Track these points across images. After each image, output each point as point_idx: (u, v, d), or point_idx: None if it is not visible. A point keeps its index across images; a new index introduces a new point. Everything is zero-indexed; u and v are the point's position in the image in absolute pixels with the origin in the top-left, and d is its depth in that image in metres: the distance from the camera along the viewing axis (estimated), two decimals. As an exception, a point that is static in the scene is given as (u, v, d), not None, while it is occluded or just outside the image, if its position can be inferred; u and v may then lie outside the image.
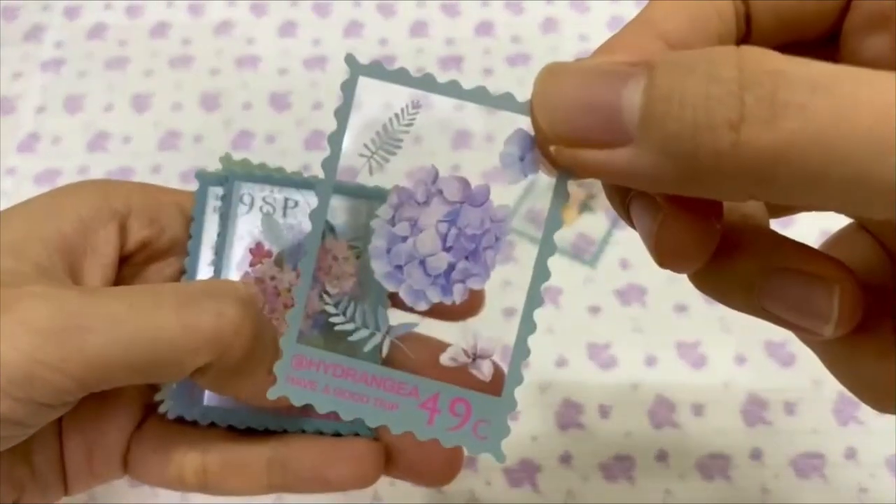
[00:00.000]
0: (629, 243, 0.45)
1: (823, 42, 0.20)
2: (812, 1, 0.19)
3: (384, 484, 0.37)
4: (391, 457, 0.29)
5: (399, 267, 0.20)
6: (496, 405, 0.20)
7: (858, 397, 0.20)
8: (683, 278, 0.20)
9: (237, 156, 0.31)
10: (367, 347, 0.21)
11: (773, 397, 0.41)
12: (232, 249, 0.29)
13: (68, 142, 0.50)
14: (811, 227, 0.30)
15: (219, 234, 0.29)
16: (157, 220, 0.28)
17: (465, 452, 0.21)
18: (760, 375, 0.42)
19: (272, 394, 0.21)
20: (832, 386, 0.41)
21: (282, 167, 0.31)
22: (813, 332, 0.18)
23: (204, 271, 0.29)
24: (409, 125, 0.20)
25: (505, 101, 0.19)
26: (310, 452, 0.28)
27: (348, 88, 0.20)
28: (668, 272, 0.19)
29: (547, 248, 0.19)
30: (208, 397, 0.28)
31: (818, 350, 0.21)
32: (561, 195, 0.19)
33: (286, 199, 0.30)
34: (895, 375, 0.18)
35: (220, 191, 0.29)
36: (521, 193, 0.46)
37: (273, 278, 0.29)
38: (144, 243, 0.28)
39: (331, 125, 0.20)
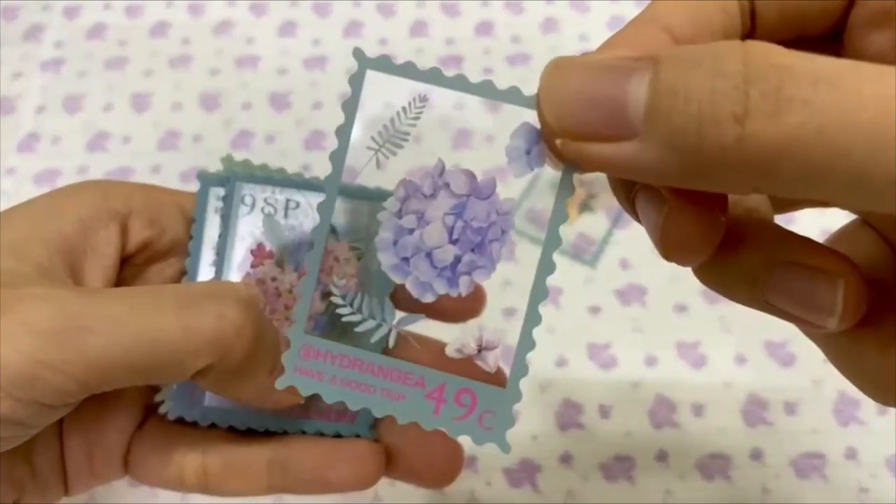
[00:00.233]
0: (629, 243, 0.45)
1: (827, 38, 0.20)
2: None
3: (384, 484, 0.37)
4: (392, 458, 0.29)
5: (406, 259, 0.20)
6: (501, 396, 0.20)
7: (862, 390, 0.20)
8: (684, 278, 0.20)
9: (237, 156, 0.31)
10: (374, 338, 0.22)
11: (773, 397, 0.41)
12: (233, 250, 0.29)
13: (68, 142, 0.50)
14: (812, 226, 0.30)
15: (220, 235, 0.29)
16: (158, 220, 0.28)
17: (471, 442, 0.21)
18: (761, 375, 0.42)
19: (280, 384, 0.21)
20: (832, 386, 0.41)
21: (283, 168, 0.31)
22: (817, 325, 0.18)
23: (205, 272, 0.29)
24: (417, 119, 0.20)
25: (511, 95, 0.19)
26: (310, 454, 0.28)
27: (356, 82, 0.20)
28: (668, 272, 0.19)
29: (552, 241, 0.20)
30: (209, 398, 0.28)
31: (821, 344, 0.21)
32: (566, 188, 0.19)
33: (287, 200, 0.30)
34: None
35: (221, 191, 0.29)
36: (521, 193, 0.46)
37: (274, 279, 0.29)
38: (145, 244, 0.28)
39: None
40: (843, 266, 0.18)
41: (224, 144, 0.50)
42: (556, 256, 0.20)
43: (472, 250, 0.20)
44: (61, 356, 0.21)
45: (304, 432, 0.29)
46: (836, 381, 0.41)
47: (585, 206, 0.47)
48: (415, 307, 0.27)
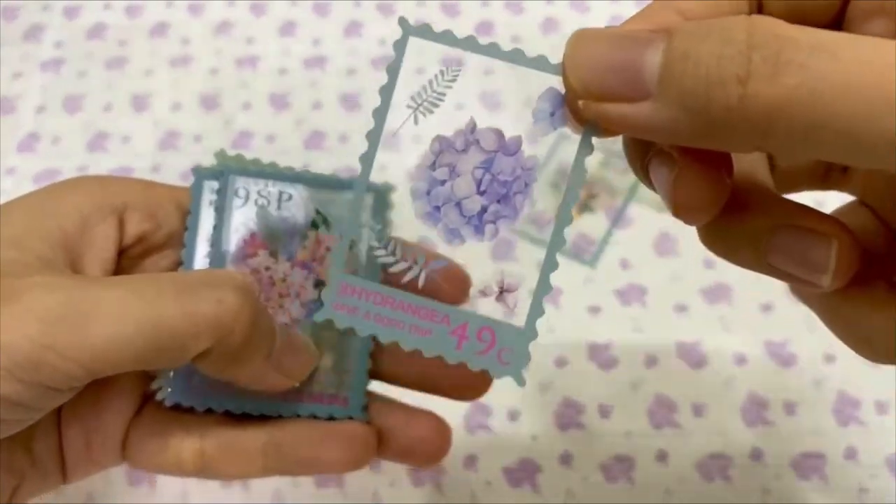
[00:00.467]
0: (629, 243, 0.45)
1: (829, 29, 0.21)
2: None
3: (384, 485, 0.37)
4: (383, 439, 0.30)
5: (437, 207, 0.22)
6: (519, 335, 0.22)
7: (855, 350, 0.21)
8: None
9: (237, 156, 0.31)
10: (406, 279, 0.23)
11: (773, 397, 0.41)
12: (227, 241, 0.30)
13: (68, 141, 0.50)
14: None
15: (214, 227, 0.30)
16: (155, 214, 0.29)
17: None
18: (761, 375, 0.42)
19: (318, 316, 0.23)
20: (832, 386, 0.41)
21: (275, 162, 0.32)
22: (813, 283, 0.19)
23: (200, 263, 0.30)
24: (453, 80, 0.23)
25: (539, 63, 0.22)
26: (304, 436, 0.29)
27: (400, 47, 0.23)
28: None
29: (571, 195, 0.21)
30: (205, 384, 0.29)
31: (816, 307, 0.22)
32: (586, 147, 0.21)
33: (280, 193, 0.30)
34: (890, 326, 0.20)
35: (215, 185, 0.30)
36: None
37: (268, 269, 0.30)
38: (141, 237, 0.29)
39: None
40: (836, 228, 0.19)
41: (224, 144, 0.50)
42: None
43: (498, 201, 0.22)
44: (67, 341, 0.21)
45: (298, 415, 0.29)
46: (836, 381, 0.41)
47: (585, 207, 0.47)
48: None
